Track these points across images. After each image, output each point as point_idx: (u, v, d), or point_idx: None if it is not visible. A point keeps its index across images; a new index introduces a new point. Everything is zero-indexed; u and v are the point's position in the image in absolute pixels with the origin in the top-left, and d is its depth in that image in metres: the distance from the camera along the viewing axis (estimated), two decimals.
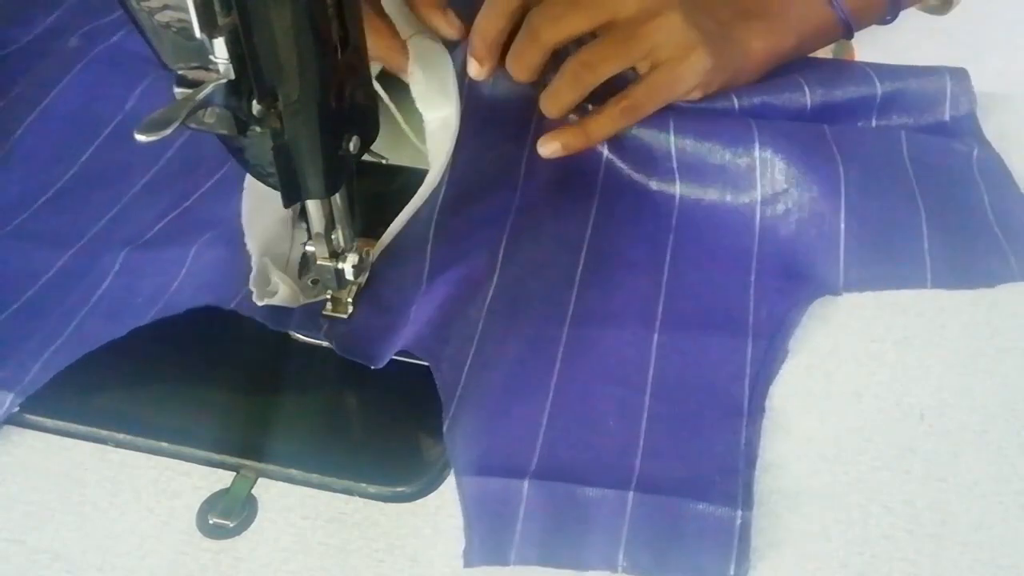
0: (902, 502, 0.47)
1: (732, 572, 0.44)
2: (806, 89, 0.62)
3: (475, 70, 0.59)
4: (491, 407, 0.50)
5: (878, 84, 0.63)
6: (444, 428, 0.49)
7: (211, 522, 0.47)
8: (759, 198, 0.58)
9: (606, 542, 0.45)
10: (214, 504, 0.48)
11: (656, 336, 0.53)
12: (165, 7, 0.41)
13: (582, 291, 0.55)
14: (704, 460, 0.48)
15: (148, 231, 0.60)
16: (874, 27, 0.70)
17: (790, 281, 0.56)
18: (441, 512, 0.47)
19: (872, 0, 0.65)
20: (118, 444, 0.50)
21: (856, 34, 0.69)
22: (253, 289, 0.53)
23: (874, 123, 0.63)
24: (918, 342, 0.54)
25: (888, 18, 0.66)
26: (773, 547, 0.46)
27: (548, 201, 0.59)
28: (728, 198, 0.59)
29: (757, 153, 0.58)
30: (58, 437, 0.51)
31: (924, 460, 0.49)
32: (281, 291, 0.53)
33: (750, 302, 0.55)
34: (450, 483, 0.49)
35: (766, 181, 0.58)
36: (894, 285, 0.56)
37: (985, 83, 0.66)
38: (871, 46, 0.75)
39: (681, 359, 0.52)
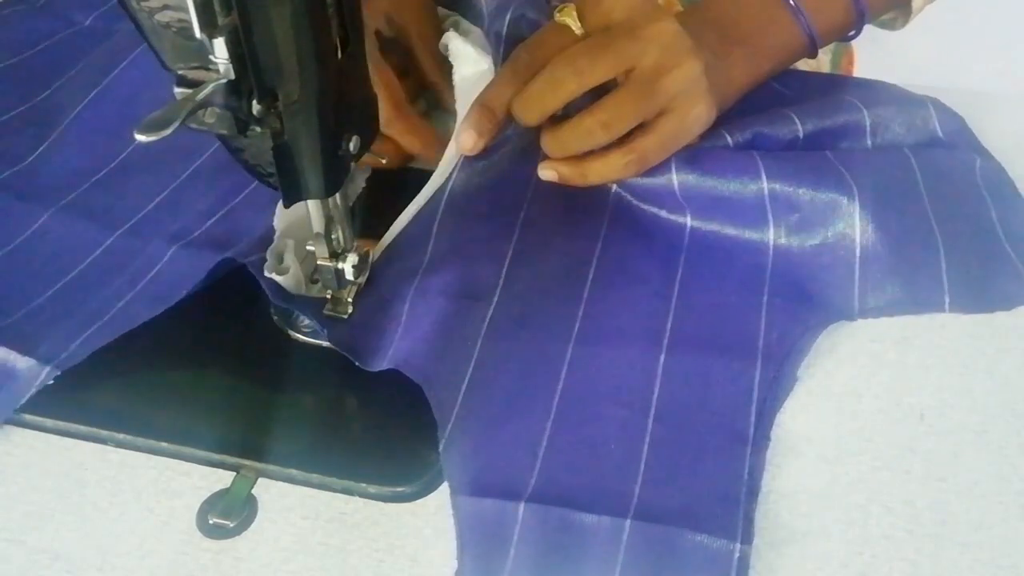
0: (902, 502, 0.47)
1: None
2: (796, 121, 0.61)
3: (471, 143, 0.57)
4: (490, 425, 0.49)
5: (864, 111, 0.63)
6: (440, 447, 0.48)
7: (211, 522, 0.47)
8: (771, 226, 0.57)
9: (601, 570, 0.44)
10: (214, 504, 0.48)
11: (663, 357, 0.52)
12: (165, 7, 0.41)
13: (589, 308, 0.54)
14: (705, 489, 0.47)
15: (198, 226, 0.60)
16: (874, 27, 0.70)
17: (803, 305, 0.54)
18: (441, 512, 0.47)
19: (839, 21, 0.65)
20: (118, 444, 0.50)
21: (856, 39, 0.70)
22: (268, 257, 0.53)
23: (869, 143, 0.62)
24: (918, 342, 0.54)
25: (852, 34, 0.67)
26: (773, 547, 0.46)
27: (557, 217, 0.58)
28: (739, 231, 0.57)
29: (765, 184, 0.57)
30: (58, 437, 0.51)
31: (924, 460, 0.49)
32: (291, 272, 0.53)
33: (761, 325, 0.53)
34: None
35: (778, 210, 0.57)
36: (912, 310, 0.55)
37: (985, 83, 0.66)
38: (871, 45, 0.75)
39: (687, 382, 0.51)
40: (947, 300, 0.55)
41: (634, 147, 0.56)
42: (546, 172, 0.58)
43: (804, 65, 0.76)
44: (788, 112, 0.62)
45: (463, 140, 0.57)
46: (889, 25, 0.71)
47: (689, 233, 0.58)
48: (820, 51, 0.76)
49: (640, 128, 0.56)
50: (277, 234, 0.56)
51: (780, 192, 0.56)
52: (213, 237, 0.59)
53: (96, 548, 0.46)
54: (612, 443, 0.48)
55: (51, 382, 0.51)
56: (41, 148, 0.66)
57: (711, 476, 0.47)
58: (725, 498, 0.46)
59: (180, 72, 0.44)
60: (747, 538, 0.45)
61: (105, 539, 0.47)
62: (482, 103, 0.57)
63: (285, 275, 0.53)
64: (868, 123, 0.62)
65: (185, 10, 0.39)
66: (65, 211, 0.61)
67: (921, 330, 0.54)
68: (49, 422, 0.51)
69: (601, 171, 0.57)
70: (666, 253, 0.57)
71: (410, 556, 0.46)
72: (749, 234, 0.57)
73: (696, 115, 0.57)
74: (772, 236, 0.57)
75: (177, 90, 0.43)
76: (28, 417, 0.51)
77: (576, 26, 0.56)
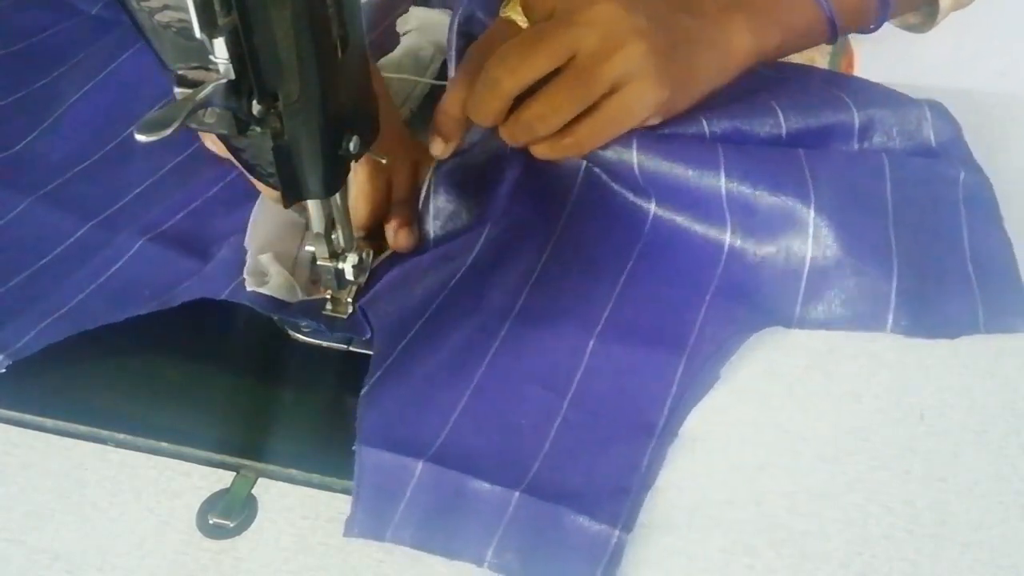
0: (902, 502, 0.47)
1: None
2: (780, 116, 0.60)
3: (439, 149, 0.57)
4: (413, 385, 0.50)
5: (855, 111, 0.61)
6: (362, 392, 0.49)
7: (211, 522, 0.47)
8: (728, 227, 0.57)
9: (480, 537, 0.45)
10: (214, 504, 0.48)
11: (591, 343, 0.53)
12: (165, 7, 0.41)
13: (534, 289, 0.56)
14: (600, 475, 0.47)
15: (169, 218, 0.60)
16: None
17: (742, 307, 0.55)
18: None
19: (860, 7, 0.63)
20: (118, 444, 0.50)
21: (855, 37, 0.69)
22: (247, 277, 0.53)
23: (856, 146, 0.62)
24: (918, 342, 0.54)
25: (872, 27, 0.65)
26: (773, 547, 0.46)
27: (531, 193, 0.59)
28: (698, 228, 0.57)
29: (723, 180, 0.56)
30: (58, 437, 0.51)
31: (924, 460, 0.49)
32: (274, 280, 0.53)
33: (696, 322, 0.54)
34: None
35: (735, 210, 0.57)
36: (852, 327, 0.54)
37: (985, 83, 0.66)
38: (871, 45, 0.75)
39: (609, 369, 0.52)
40: (890, 320, 0.54)
41: (570, 130, 0.55)
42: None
43: (806, 62, 0.76)
44: (774, 105, 0.60)
45: (433, 148, 0.57)
46: (917, 28, 0.69)
47: (652, 221, 0.59)
48: (816, 51, 0.76)
49: (586, 111, 0.55)
50: (249, 253, 0.56)
51: (737, 193, 0.56)
52: (182, 231, 0.59)
53: (96, 548, 0.46)
54: (523, 419, 0.50)
55: (53, 383, 0.51)
56: (31, 136, 0.66)
57: (610, 463, 0.48)
58: (617, 487, 0.47)
59: (180, 72, 0.43)
60: (627, 527, 0.45)
61: (105, 539, 0.47)
62: (442, 110, 0.57)
63: (275, 285, 0.54)
64: (857, 125, 0.61)
65: (185, 10, 0.39)
66: (43, 200, 0.62)
67: None
68: (49, 422, 0.51)
69: (543, 151, 0.56)
70: (623, 240, 0.58)
71: (410, 556, 0.46)
72: (708, 231, 0.57)
73: (639, 97, 0.55)
74: (728, 237, 0.57)
75: (177, 90, 0.43)
76: (28, 417, 0.51)
77: (522, 20, 0.56)
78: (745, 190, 0.56)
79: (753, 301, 0.55)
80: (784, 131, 0.60)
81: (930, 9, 0.67)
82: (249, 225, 0.58)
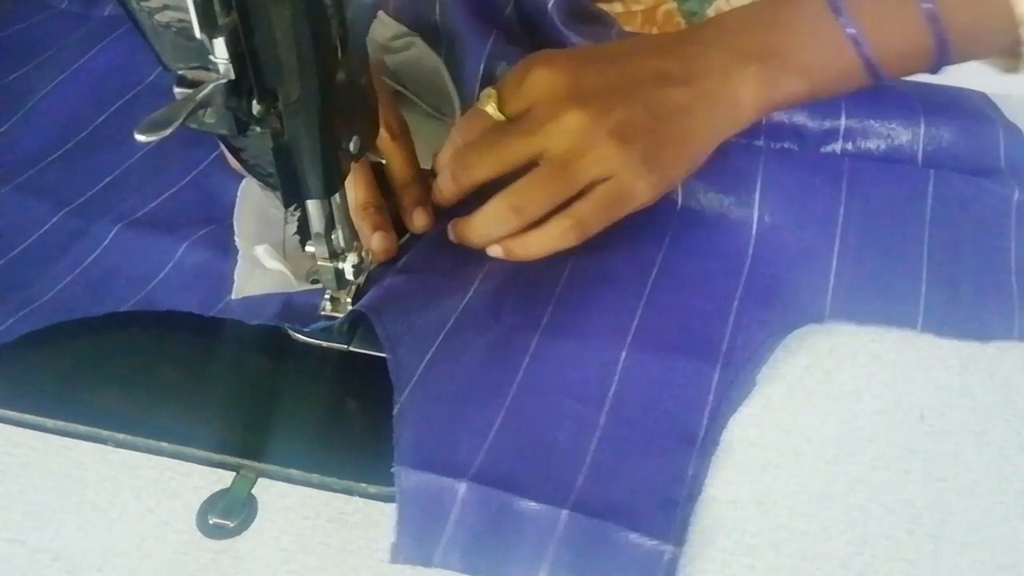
0: (902, 502, 0.47)
1: None
2: (842, 111, 0.61)
3: (422, 222, 0.57)
4: (445, 402, 0.50)
5: (922, 119, 0.61)
6: (394, 411, 0.49)
7: (211, 522, 0.47)
8: (756, 207, 0.57)
9: (531, 558, 0.44)
10: (214, 504, 0.48)
11: (624, 354, 0.52)
12: (165, 7, 0.41)
13: (560, 302, 0.55)
14: (646, 488, 0.47)
15: (144, 205, 0.60)
16: None
17: (772, 310, 0.54)
18: None
19: (910, 49, 0.56)
20: (118, 444, 0.50)
21: None
22: (236, 279, 0.54)
23: (919, 152, 0.61)
24: (918, 342, 0.54)
25: (932, 71, 0.58)
26: (773, 547, 0.46)
27: None
28: (729, 210, 0.58)
29: (759, 187, 0.57)
30: (58, 437, 0.51)
31: (924, 460, 0.49)
32: (269, 277, 0.53)
33: (727, 330, 0.53)
34: None
35: (767, 195, 0.57)
36: (883, 322, 0.54)
37: (986, 83, 0.66)
38: None
39: (644, 380, 0.51)
40: (920, 319, 0.54)
41: (571, 212, 0.54)
42: (494, 250, 0.56)
43: None
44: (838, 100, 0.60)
45: (417, 222, 0.58)
46: (1012, 70, 0.62)
47: (674, 224, 0.59)
48: None
49: (576, 196, 0.55)
50: (241, 251, 0.56)
51: (768, 199, 0.57)
52: (157, 216, 0.60)
53: (96, 548, 0.46)
54: (561, 434, 0.49)
55: (53, 383, 0.51)
56: (3, 127, 0.66)
57: (654, 475, 0.47)
58: (664, 499, 0.46)
59: (180, 72, 0.43)
60: (679, 541, 0.45)
61: (105, 539, 0.47)
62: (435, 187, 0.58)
63: (272, 281, 0.54)
64: (922, 134, 0.61)
65: (185, 10, 0.39)
66: (18, 189, 0.62)
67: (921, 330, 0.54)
68: (49, 422, 0.51)
69: (541, 243, 0.55)
70: (644, 251, 0.57)
71: None
72: (734, 210, 0.57)
73: (630, 189, 0.54)
74: (756, 214, 0.57)
75: (177, 90, 0.43)
76: (28, 417, 0.51)
77: (496, 114, 0.56)
78: (776, 198, 0.57)
79: (782, 300, 0.55)
80: (843, 127, 0.60)
81: (1012, 57, 0.60)
82: (235, 221, 0.58)
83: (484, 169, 0.55)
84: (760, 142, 0.62)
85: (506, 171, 0.55)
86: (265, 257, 0.55)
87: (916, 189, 0.59)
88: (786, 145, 0.62)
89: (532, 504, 0.45)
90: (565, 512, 0.45)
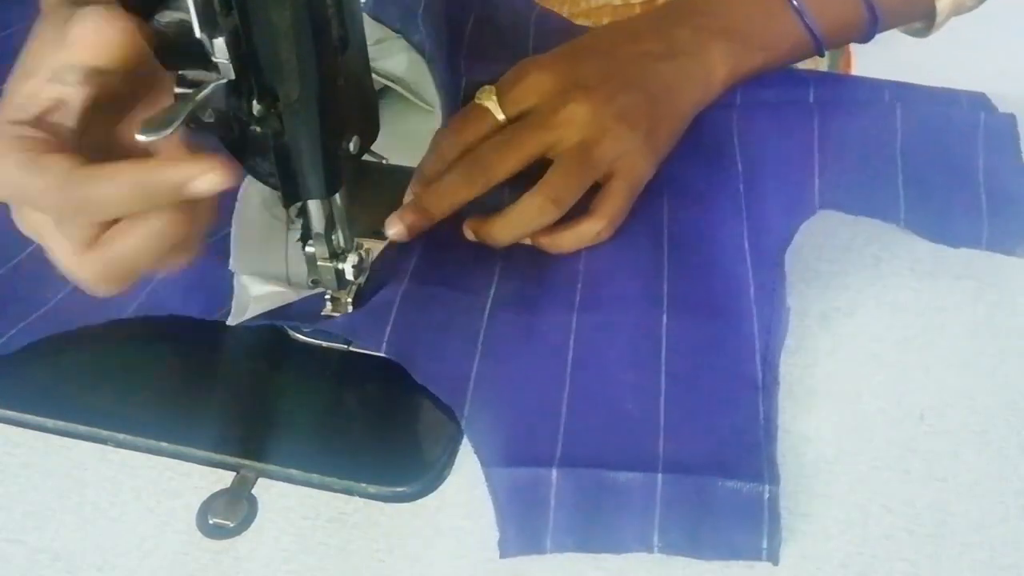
0: (902, 502, 0.47)
1: (765, 546, 0.45)
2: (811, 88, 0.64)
3: (398, 232, 0.55)
4: (507, 398, 0.50)
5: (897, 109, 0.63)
6: (463, 424, 0.49)
7: (211, 522, 0.47)
8: (740, 177, 0.60)
9: (640, 524, 0.46)
10: (214, 504, 0.48)
11: (665, 319, 0.53)
12: (164, 7, 0.41)
13: (586, 277, 0.55)
14: (725, 437, 0.48)
15: None
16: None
17: (774, 235, 0.56)
18: (441, 512, 0.47)
19: (847, 20, 0.64)
20: (118, 444, 0.50)
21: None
22: (232, 305, 0.53)
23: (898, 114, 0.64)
24: (918, 342, 0.54)
25: (863, 40, 0.66)
26: None
27: None
28: (713, 193, 0.59)
29: (736, 140, 0.61)
30: (58, 437, 0.51)
31: (924, 460, 0.49)
32: (266, 299, 0.53)
33: (749, 278, 0.55)
34: (450, 483, 0.49)
35: (746, 163, 0.60)
36: (868, 212, 0.57)
37: (985, 83, 0.66)
38: (870, 46, 0.74)
39: (690, 340, 0.52)
40: (902, 214, 0.57)
41: (602, 213, 0.56)
42: (465, 230, 0.56)
43: (801, 66, 0.76)
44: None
45: (388, 232, 0.55)
46: (919, 33, 0.70)
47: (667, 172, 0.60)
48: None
49: (595, 195, 0.56)
50: (236, 278, 0.55)
51: (747, 146, 0.61)
52: None
53: (96, 548, 0.46)
54: (628, 403, 0.50)
55: (53, 383, 0.51)
56: None
57: (729, 424, 0.49)
58: (746, 443, 0.48)
59: (180, 72, 0.44)
60: (774, 479, 0.47)
61: (105, 539, 0.47)
62: (416, 179, 0.57)
63: (266, 300, 0.53)
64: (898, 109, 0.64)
65: (185, 10, 0.39)
66: None
67: (921, 330, 0.54)
68: (49, 422, 0.51)
69: (575, 240, 0.56)
70: (649, 215, 0.58)
71: (410, 556, 0.46)
72: (715, 161, 0.60)
73: (642, 170, 0.57)
74: (742, 185, 0.59)
75: (177, 90, 0.43)
76: (28, 417, 0.51)
77: (496, 110, 0.57)
78: (754, 143, 0.60)
79: (777, 219, 0.57)
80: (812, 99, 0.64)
81: (928, 18, 0.68)
82: (231, 243, 0.57)
83: (503, 167, 0.55)
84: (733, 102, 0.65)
85: (521, 168, 0.55)
86: (252, 284, 0.55)
87: (886, 120, 0.62)
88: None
89: (626, 475, 0.47)
90: (660, 475, 0.47)
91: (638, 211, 0.58)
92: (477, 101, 0.57)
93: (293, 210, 0.55)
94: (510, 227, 0.56)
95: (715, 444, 0.48)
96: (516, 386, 0.51)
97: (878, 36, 0.67)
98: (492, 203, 0.56)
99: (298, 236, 0.56)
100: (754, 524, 0.45)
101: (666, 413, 0.49)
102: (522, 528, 0.46)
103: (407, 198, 0.57)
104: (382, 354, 0.51)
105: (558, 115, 0.56)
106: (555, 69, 0.57)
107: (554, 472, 0.47)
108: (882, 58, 0.82)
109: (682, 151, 0.60)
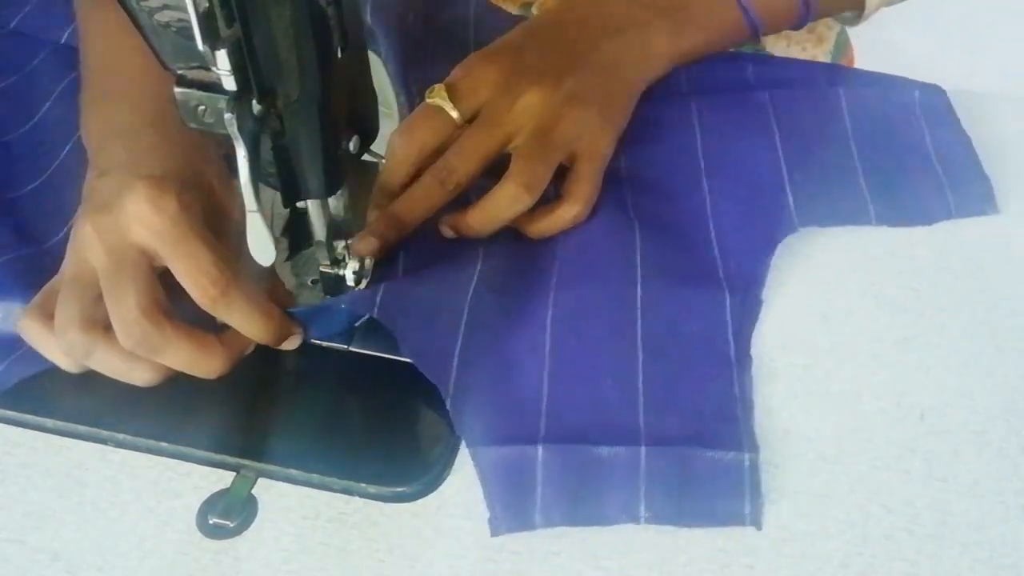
0: (902, 502, 0.47)
1: (747, 511, 0.46)
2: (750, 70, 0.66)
3: (370, 247, 0.54)
4: (491, 376, 0.51)
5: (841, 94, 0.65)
6: (448, 405, 0.49)
7: (211, 522, 0.47)
8: (703, 169, 0.61)
9: (626, 497, 0.46)
10: (214, 504, 0.48)
11: (639, 291, 0.54)
12: (164, 7, 0.41)
13: (563, 261, 0.56)
14: (704, 410, 0.49)
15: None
16: (874, 25, 0.70)
17: (750, 230, 0.58)
18: (441, 512, 0.47)
19: (781, 9, 0.66)
20: (118, 444, 0.50)
21: (856, 36, 0.69)
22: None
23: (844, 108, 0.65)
24: (918, 342, 0.54)
25: (796, 27, 0.68)
26: (773, 547, 0.46)
27: None
28: (676, 179, 0.60)
29: (697, 131, 0.62)
30: (58, 437, 0.51)
31: (924, 460, 0.49)
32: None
33: (715, 254, 0.56)
34: (450, 483, 0.49)
35: (708, 156, 0.61)
36: (842, 221, 0.59)
37: (985, 83, 0.66)
38: (870, 45, 0.75)
39: (665, 313, 0.53)
40: (872, 213, 0.59)
41: (577, 196, 0.56)
42: (441, 227, 0.56)
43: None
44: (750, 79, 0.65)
45: (360, 248, 0.53)
46: (849, 22, 0.72)
47: (627, 175, 0.61)
48: (818, 49, 0.76)
49: (565, 179, 0.57)
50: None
51: (709, 140, 0.61)
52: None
53: (96, 548, 0.46)
54: (609, 379, 0.51)
55: (53, 383, 0.51)
56: (47, 173, 0.63)
57: (706, 398, 0.50)
58: (724, 416, 0.49)
59: (180, 72, 0.44)
60: (752, 448, 0.48)
61: (105, 539, 0.47)
62: (377, 189, 0.57)
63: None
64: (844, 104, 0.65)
65: (184, 9, 0.39)
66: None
67: (921, 330, 0.54)
68: (49, 422, 0.51)
69: (554, 225, 0.57)
70: (616, 194, 0.59)
71: (410, 556, 0.46)
72: (676, 155, 0.61)
73: (602, 147, 0.58)
74: (705, 179, 0.60)
75: (177, 90, 0.43)
76: (28, 417, 0.51)
77: (450, 108, 0.56)
78: (714, 139, 0.61)
79: (753, 224, 0.58)
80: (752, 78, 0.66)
81: (857, 10, 0.70)
82: None
83: (467, 168, 0.55)
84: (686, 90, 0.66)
85: (485, 165, 0.56)
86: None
87: (834, 109, 0.64)
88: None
89: (609, 449, 0.48)
90: (643, 448, 0.48)
91: (603, 196, 0.58)
92: (429, 101, 0.57)
93: (279, 225, 0.55)
94: (487, 217, 0.56)
95: (692, 416, 0.49)
96: (498, 365, 0.51)
97: (879, 37, 0.67)
98: (462, 201, 0.57)
99: (285, 256, 0.56)
100: (736, 491, 0.47)
101: (644, 388, 0.50)
102: (509, 505, 0.46)
103: (370, 213, 0.56)
104: (375, 316, 0.51)
105: (512, 109, 0.56)
106: (500, 60, 0.58)
107: (540, 449, 0.48)
108: (883, 59, 0.83)
109: (643, 146, 0.61)
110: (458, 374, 0.50)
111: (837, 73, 0.68)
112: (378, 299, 0.51)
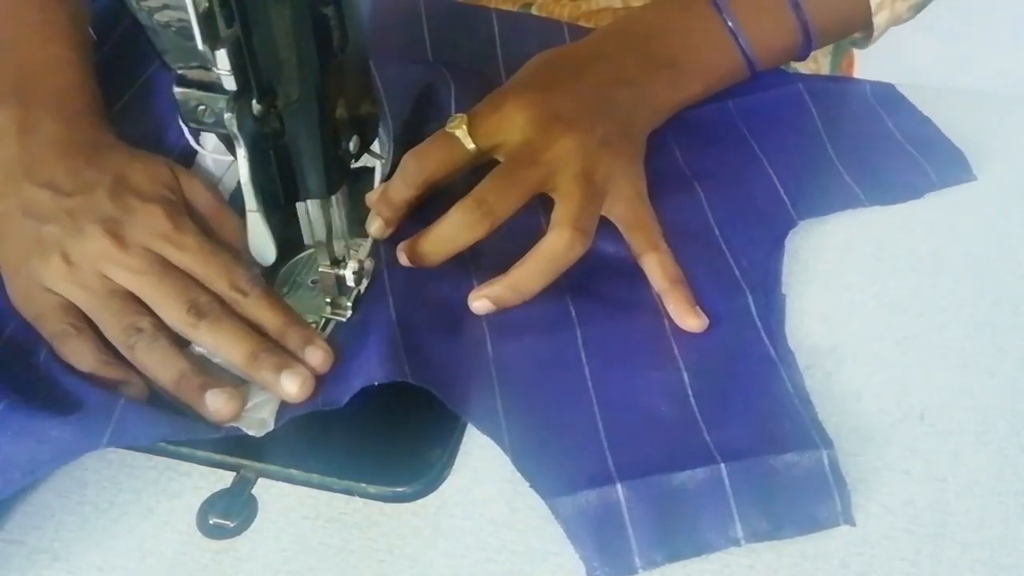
0: (902, 502, 0.47)
1: (840, 509, 0.46)
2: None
3: (378, 229, 0.56)
4: (540, 423, 0.49)
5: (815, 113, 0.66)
6: (511, 458, 0.48)
7: (211, 522, 0.47)
8: (692, 176, 0.61)
9: (720, 521, 0.46)
10: (214, 504, 0.48)
11: (665, 319, 0.54)
12: (164, 7, 0.41)
13: (575, 293, 0.55)
14: (765, 414, 0.49)
15: None
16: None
17: (753, 229, 0.58)
18: (441, 512, 0.47)
19: (783, 44, 0.65)
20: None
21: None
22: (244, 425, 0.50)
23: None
24: (918, 342, 0.54)
25: (799, 59, 0.68)
26: (772, 547, 0.46)
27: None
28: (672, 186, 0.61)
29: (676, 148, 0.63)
30: None
31: (924, 460, 0.49)
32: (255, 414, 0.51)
33: (727, 257, 0.56)
34: (450, 483, 0.49)
35: (692, 164, 0.62)
36: (838, 208, 0.60)
37: (985, 83, 0.66)
38: (871, 49, 0.75)
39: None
40: (862, 196, 0.60)
41: (649, 243, 0.56)
42: (476, 303, 0.54)
43: (804, 68, 0.76)
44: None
45: (373, 230, 0.56)
46: (859, 44, 0.71)
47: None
48: (819, 52, 0.76)
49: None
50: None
51: (690, 156, 0.63)
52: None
53: (96, 548, 0.46)
54: (663, 406, 0.50)
55: None
56: None
57: (763, 402, 0.49)
58: (786, 412, 0.49)
59: (180, 71, 0.44)
60: (826, 442, 0.47)
61: (105, 539, 0.47)
62: (380, 199, 0.56)
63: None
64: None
65: (184, 9, 0.39)
66: None
67: (921, 330, 0.54)
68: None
69: (528, 278, 0.54)
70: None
71: (410, 556, 0.46)
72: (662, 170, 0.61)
73: (629, 187, 0.58)
74: (698, 186, 0.61)
75: (177, 90, 0.43)
76: None
77: (467, 140, 0.56)
78: (695, 156, 0.63)
79: (756, 222, 0.59)
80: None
81: (865, 32, 0.69)
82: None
83: (505, 207, 0.54)
84: None
85: (523, 205, 0.55)
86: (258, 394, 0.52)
87: (800, 104, 0.66)
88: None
89: (688, 473, 0.46)
90: (723, 466, 0.46)
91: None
92: (448, 130, 0.56)
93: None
94: (543, 269, 0.54)
95: (758, 423, 0.48)
96: (544, 411, 0.50)
97: (879, 37, 0.67)
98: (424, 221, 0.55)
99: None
100: (824, 491, 0.46)
101: (699, 407, 0.49)
102: (603, 552, 0.45)
103: (371, 222, 0.56)
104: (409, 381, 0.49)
105: (551, 150, 0.56)
106: (530, 102, 0.57)
107: (619, 488, 0.46)
108: (883, 60, 0.83)
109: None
110: (508, 428, 0.49)
111: (785, 74, 0.68)
112: (406, 369, 0.49)
